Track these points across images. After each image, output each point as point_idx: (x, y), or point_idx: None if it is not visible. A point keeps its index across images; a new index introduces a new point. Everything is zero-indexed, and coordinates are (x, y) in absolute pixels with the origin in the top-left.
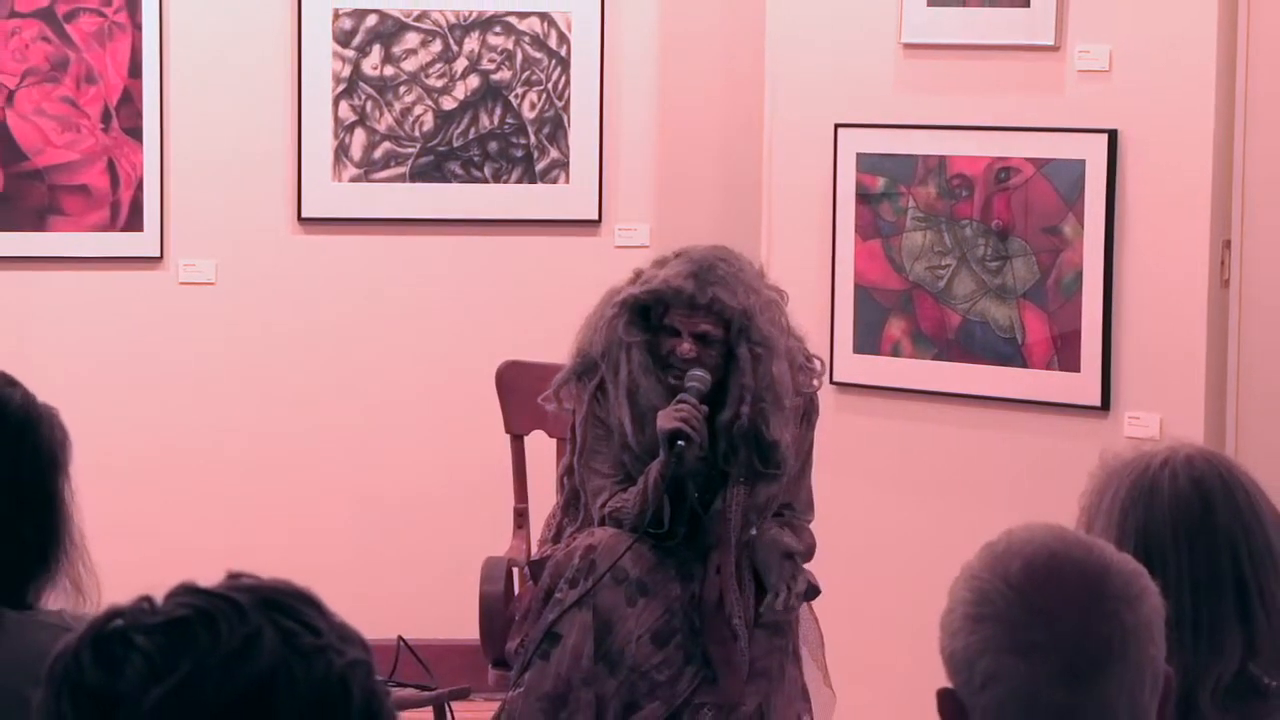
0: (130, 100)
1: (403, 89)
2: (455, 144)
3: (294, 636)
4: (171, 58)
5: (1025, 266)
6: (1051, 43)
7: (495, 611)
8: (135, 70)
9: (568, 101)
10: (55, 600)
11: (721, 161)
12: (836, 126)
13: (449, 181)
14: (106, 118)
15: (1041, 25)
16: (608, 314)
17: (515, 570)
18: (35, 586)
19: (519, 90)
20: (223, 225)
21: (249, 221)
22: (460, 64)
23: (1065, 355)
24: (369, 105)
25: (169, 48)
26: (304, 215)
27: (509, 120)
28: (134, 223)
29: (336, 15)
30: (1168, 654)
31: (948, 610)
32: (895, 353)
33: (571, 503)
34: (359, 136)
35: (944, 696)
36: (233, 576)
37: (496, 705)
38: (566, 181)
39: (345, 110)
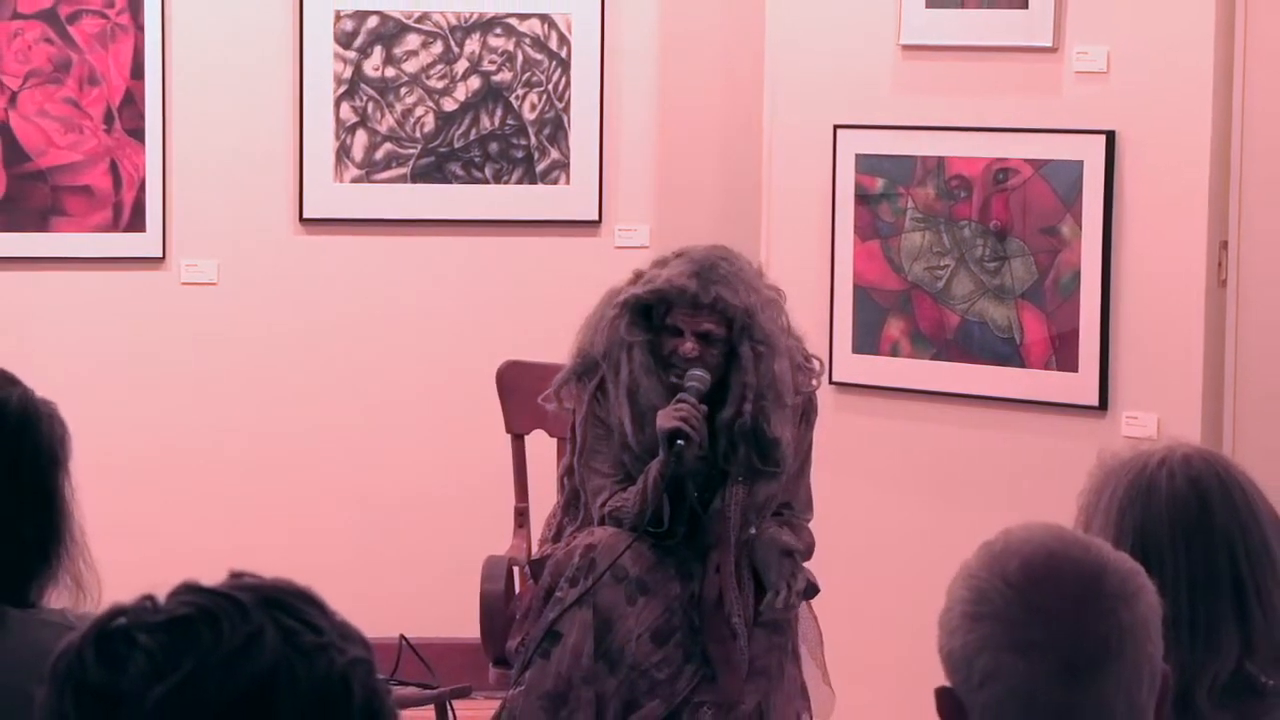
0: (133, 101)
1: (404, 90)
2: (456, 145)
3: (296, 635)
4: (174, 59)
5: (1023, 267)
6: (1049, 44)
7: (496, 610)
8: (138, 71)
9: (568, 103)
10: (56, 597)
11: (721, 162)
12: (836, 128)
13: (450, 182)
14: (109, 119)
15: (1039, 27)
16: (610, 314)
17: (516, 569)
18: (37, 584)
19: (519, 91)
20: (224, 226)
21: (251, 222)
22: (461, 65)
23: (1063, 355)
24: (370, 106)
25: (171, 49)
26: (305, 216)
27: (510, 121)
28: (136, 223)
29: (338, 17)
30: (1165, 652)
31: (946, 609)
32: (894, 353)
33: (572, 503)
34: (360, 137)
35: (942, 695)
36: (235, 575)
37: (497, 703)
38: (567, 182)
39: (347, 111)
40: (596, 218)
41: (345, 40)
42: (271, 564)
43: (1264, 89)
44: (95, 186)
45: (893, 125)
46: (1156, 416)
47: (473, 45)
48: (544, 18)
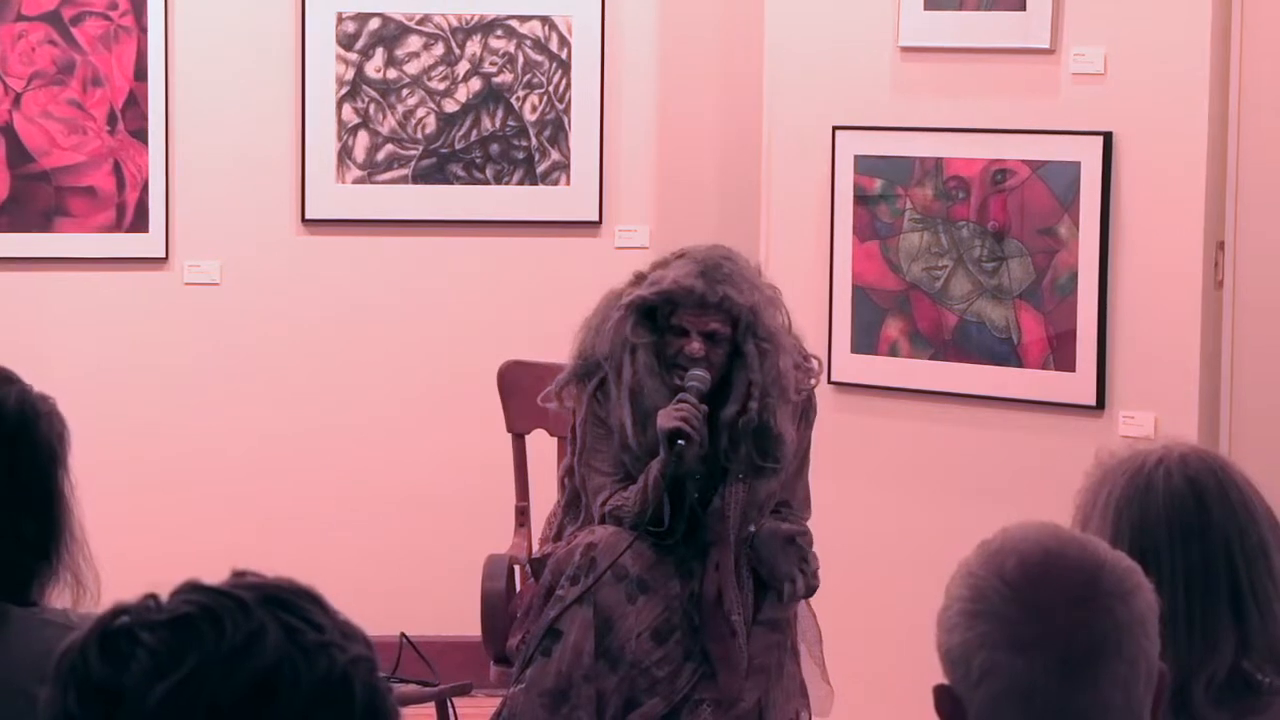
0: (136, 103)
1: (405, 92)
2: (457, 146)
3: (298, 633)
4: (176, 61)
5: (1021, 267)
6: (1047, 46)
7: (497, 608)
8: (141, 73)
9: (568, 104)
10: (56, 593)
11: (721, 164)
12: (834, 129)
13: (451, 183)
14: (112, 120)
15: (1037, 28)
16: (615, 315)
17: (517, 568)
18: (39, 583)
19: (520, 93)
20: (227, 226)
21: (253, 223)
22: (462, 67)
23: (1061, 355)
24: (372, 108)
25: (174, 51)
26: (308, 216)
27: (510, 123)
28: (139, 224)
29: (340, 19)
30: (1161, 650)
31: (944, 607)
32: (893, 353)
33: (572, 503)
34: (362, 139)
35: (940, 692)
36: (237, 574)
37: (498, 701)
38: (567, 183)
39: (348, 113)
40: (597, 218)
41: (347, 42)
42: (274, 562)
43: (1260, 90)
44: (99, 187)
45: (891, 126)
46: (1153, 416)
47: (474, 47)
48: (545, 20)
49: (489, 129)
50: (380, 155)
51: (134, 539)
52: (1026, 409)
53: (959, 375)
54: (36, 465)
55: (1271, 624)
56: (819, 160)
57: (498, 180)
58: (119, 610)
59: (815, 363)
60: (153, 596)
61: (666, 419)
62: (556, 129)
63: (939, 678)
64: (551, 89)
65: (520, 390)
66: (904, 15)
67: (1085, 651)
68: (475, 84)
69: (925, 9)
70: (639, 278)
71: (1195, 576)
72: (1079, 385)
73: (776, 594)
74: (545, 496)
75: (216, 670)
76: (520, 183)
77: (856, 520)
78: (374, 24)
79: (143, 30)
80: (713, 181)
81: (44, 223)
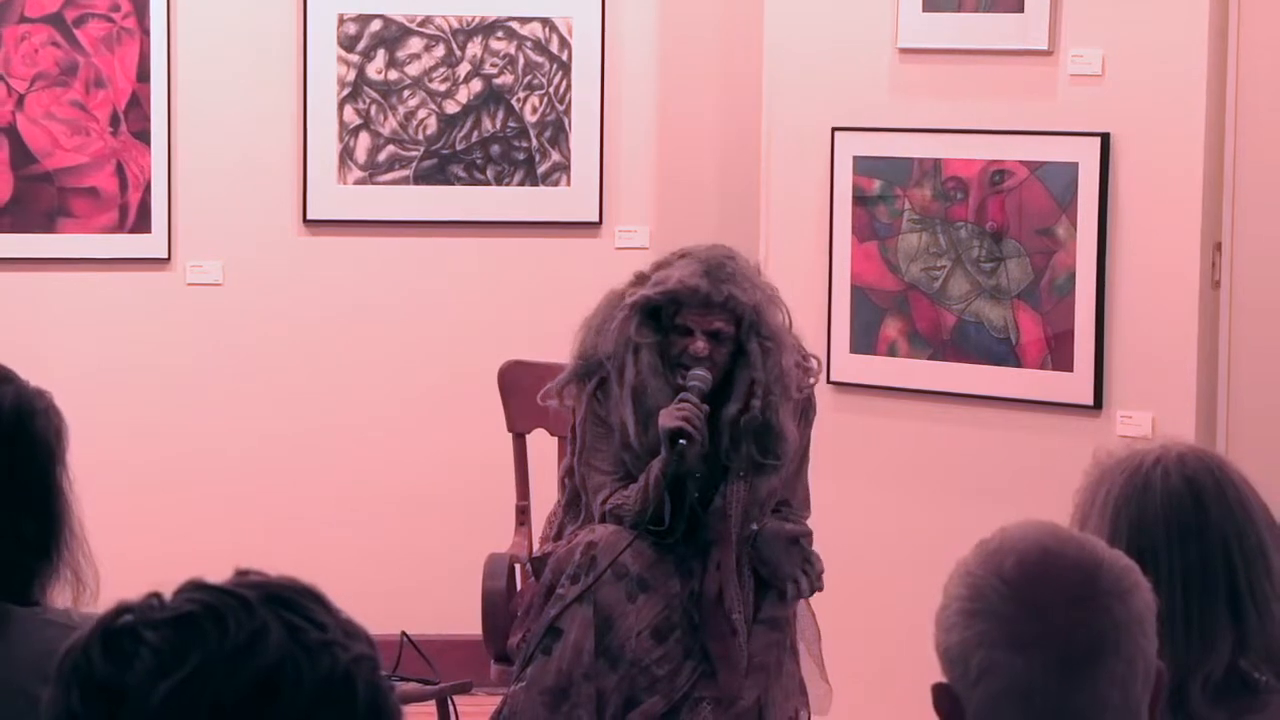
0: (138, 104)
1: (406, 93)
2: (458, 147)
3: (300, 632)
4: (179, 62)
5: (1019, 268)
6: (1045, 47)
7: (497, 607)
8: (143, 75)
9: (569, 105)
10: (57, 590)
11: (720, 164)
12: (833, 130)
13: (452, 184)
14: (115, 121)
15: (1035, 30)
16: (619, 315)
17: (517, 566)
18: (40, 582)
19: (521, 94)
20: (229, 227)
21: (255, 223)
22: (463, 68)
23: (1058, 355)
24: (373, 109)
25: (176, 53)
26: (309, 217)
27: (511, 124)
28: (142, 225)
29: (341, 20)
30: (1159, 649)
31: (943, 606)
32: (891, 352)
33: (573, 504)
34: (363, 140)
35: (939, 690)
36: (240, 573)
37: (498, 699)
38: (568, 184)
39: (350, 114)
40: (597, 219)
41: (348, 43)
42: (276, 562)
43: (1257, 91)
44: (101, 188)
45: (890, 127)
46: (1151, 415)
47: (474, 48)
48: (545, 21)
49: (490, 130)
50: (381, 156)
51: (136, 539)
52: (1024, 409)
53: (957, 375)
54: (35, 464)
55: (1269, 624)
56: (818, 161)
57: (498, 181)
58: (122, 609)
59: (815, 362)
60: (156, 595)
61: (668, 418)
62: (557, 130)
63: (937, 676)
64: (552, 90)
65: (521, 390)
66: (903, 17)
67: (1083, 650)
68: (476, 85)
69: (924, 10)
70: (640, 278)
71: (1193, 576)
72: (1077, 385)
73: (777, 593)
74: (545, 496)
75: (219, 669)
76: (521, 184)
77: (855, 519)
78: (375, 26)
79: (145, 32)
80: (712, 182)
81: (47, 223)
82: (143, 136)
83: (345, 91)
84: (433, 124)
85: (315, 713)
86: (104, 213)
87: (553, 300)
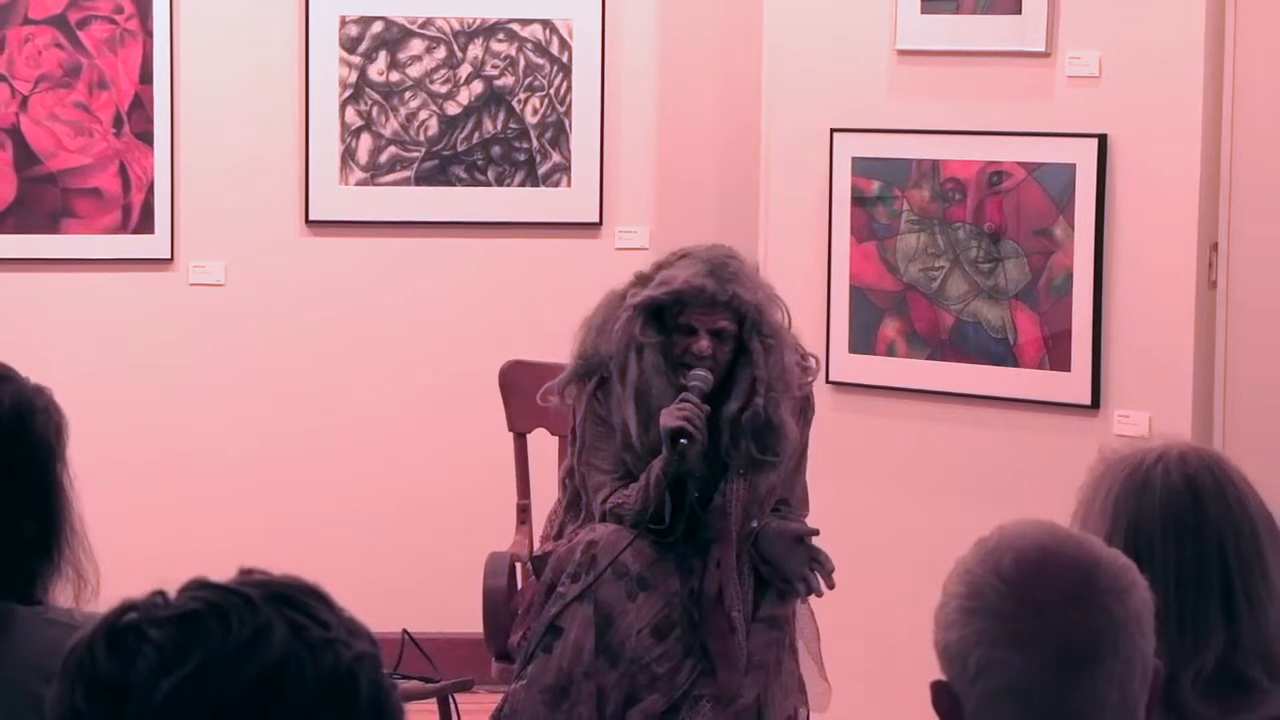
0: (141, 105)
1: (408, 94)
2: (459, 148)
3: (303, 630)
4: (182, 64)
5: (1017, 268)
6: (1043, 49)
7: (498, 605)
8: (146, 76)
9: (569, 106)
10: (58, 587)
11: (720, 165)
12: (832, 131)
13: (453, 185)
14: (118, 122)
15: (1033, 32)
16: (623, 315)
17: (518, 565)
18: (42, 580)
19: (521, 95)
20: (232, 228)
21: (257, 224)
22: (464, 70)
23: (1056, 355)
24: (375, 110)
25: (179, 54)
26: (311, 218)
27: (512, 125)
28: (145, 225)
29: (343, 22)
30: (1155, 646)
31: (941, 604)
32: (890, 353)
33: (573, 504)
34: (365, 141)
35: (937, 688)
36: (244, 572)
37: (499, 697)
38: (568, 185)
39: (352, 115)
40: (597, 220)
41: (350, 45)
42: (278, 561)
43: (1253, 93)
44: (104, 189)
45: (888, 129)
46: (1148, 415)
47: (475, 50)
48: (545, 23)
49: (490, 131)
50: (383, 157)
51: (138, 539)
52: (1022, 408)
53: (956, 375)
54: (35, 462)
55: (1263, 624)
56: (817, 162)
57: (499, 182)
58: (126, 607)
59: (814, 361)
60: (160, 593)
61: (669, 418)
62: (557, 131)
63: (936, 674)
64: (552, 91)
65: (521, 390)
66: (901, 18)
67: (1081, 648)
68: (477, 87)
69: (922, 12)
70: (640, 278)
71: (1187, 573)
72: (1074, 385)
73: (779, 592)
74: (546, 495)
75: (223, 666)
76: (521, 184)
77: (854, 519)
78: (377, 27)
79: (148, 34)
80: (712, 183)
81: (50, 224)
82: (146, 138)
83: (347, 93)
84: (434, 125)
85: (318, 710)
86: (107, 213)
87: (553, 300)
